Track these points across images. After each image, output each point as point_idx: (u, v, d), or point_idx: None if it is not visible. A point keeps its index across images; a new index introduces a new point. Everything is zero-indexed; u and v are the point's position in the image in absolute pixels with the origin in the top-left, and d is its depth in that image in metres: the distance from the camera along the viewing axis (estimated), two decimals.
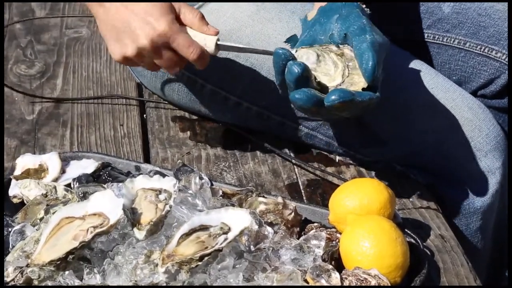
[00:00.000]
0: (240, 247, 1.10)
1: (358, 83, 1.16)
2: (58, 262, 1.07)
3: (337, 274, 1.07)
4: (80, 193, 1.20)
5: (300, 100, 1.13)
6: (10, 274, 1.09)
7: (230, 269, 1.08)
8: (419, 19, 1.55)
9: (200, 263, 1.06)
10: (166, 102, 1.58)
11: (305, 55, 1.20)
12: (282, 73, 1.16)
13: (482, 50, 1.52)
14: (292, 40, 1.26)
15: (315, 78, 1.18)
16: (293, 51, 1.20)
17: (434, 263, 1.20)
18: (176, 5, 1.27)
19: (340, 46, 1.19)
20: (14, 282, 1.08)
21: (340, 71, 1.18)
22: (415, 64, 1.42)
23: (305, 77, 1.15)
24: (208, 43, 1.27)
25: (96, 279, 1.08)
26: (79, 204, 1.15)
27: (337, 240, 1.15)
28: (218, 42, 1.27)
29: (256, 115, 1.46)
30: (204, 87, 1.48)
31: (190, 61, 1.26)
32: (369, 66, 1.13)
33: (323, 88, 1.17)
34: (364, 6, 1.23)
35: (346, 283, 1.07)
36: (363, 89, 1.15)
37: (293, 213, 1.18)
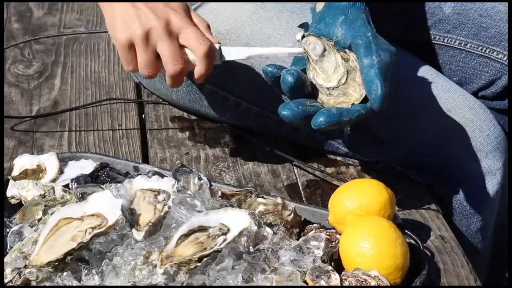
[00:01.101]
0: (239, 248, 1.10)
1: (351, 94, 1.16)
2: (56, 263, 1.07)
3: (337, 275, 1.07)
4: (78, 193, 1.19)
5: (286, 117, 1.14)
6: (7, 275, 1.08)
7: (229, 270, 1.07)
8: (419, 19, 1.55)
9: (199, 264, 1.05)
10: (165, 102, 1.57)
11: (313, 44, 1.19)
12: (275, 84, 1.17)
13: (483, 51, 1.51)
14: (305, 27, 1.26)
15: (314, 73, 1.18)
16: (303, 36, 1.20)
17: (434, 264, 1.20)
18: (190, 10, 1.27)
19: (347, 51, 1.17)
20: (12, 283, 1.08)
21: (338, 75, 1.17)
22: (416, 64, 1.42)
23: (300, 84, 1.15)
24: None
25: (95, 280, 1.07)
26: (77, 205, 1.14)
27: (336, 241, 1.15)
28: (222, 47, 1.26)
29: (255, 115, 1.46)
30: (203, 87, 1.47)
31: (197, 57, 1.23)
32: (378, 96, 1.11)
33: (315, 89, 1.18)
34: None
35: (346, 284, 1.07)
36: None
37: (292, 214, 1.18)
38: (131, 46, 1.24)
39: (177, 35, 1.23)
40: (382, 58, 1.13)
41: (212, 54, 1.24)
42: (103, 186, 1.20)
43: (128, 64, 1.26)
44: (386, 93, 1.11)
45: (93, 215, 1.13)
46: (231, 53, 1.26)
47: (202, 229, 1.11)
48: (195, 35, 1.23)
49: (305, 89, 1.16)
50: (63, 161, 1.30)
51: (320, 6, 1.24)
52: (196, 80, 1.26)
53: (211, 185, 1.25)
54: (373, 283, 1.06)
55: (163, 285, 1.06)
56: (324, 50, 1.19)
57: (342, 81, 1.17)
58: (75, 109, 1.55)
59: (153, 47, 1.24)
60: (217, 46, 1.25)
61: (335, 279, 1.07)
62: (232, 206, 1.18)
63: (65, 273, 1.07)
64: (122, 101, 1.58)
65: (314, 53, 1.19)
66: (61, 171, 1.28)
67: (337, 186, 1.25)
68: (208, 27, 1.27)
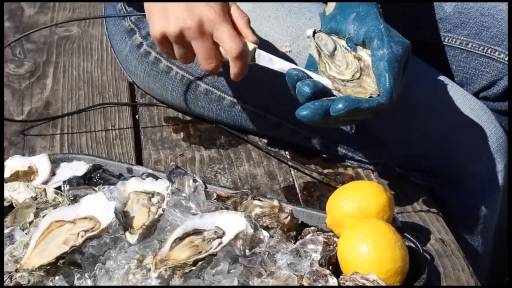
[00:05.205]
0: (235, 252, 1.09)
1: (366, 88, 1.16)
2: (48, 267, 1.06)
3: (335, 279, 1.07)
4: (70, 196, 1.19)
5: (306, 117, 1.14)
6: None
7: (224, 274, 1.07)
8: (420, 19, 1.55)
9: (193, 268, 1.05)
10: (159, 103, 1.56)
11: (324, 40, 1.21)
12: (295, 89, 1.17)
13: (484, 51, 1.51)
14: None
15: (327, 67, 1.19)
16: (313, 33, 1.21)
17: (434, 268, 1.19)
18: (229, 4, 1.26)
19: (358, 51, 1.19)
20: None
21: (351, 71, 1.19)
22: (416, 64, 1.41)
23: (317, 94, 1.15)
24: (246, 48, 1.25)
25: (87, 284, 1.07)
26: (69, 208, 1.14)
27: (334, 245, 1.14)
28: (257, 50, 1.25)
29: (251, 116, 1.45)
30: (199, 87, 1.46)
31: (229, 57, 1.23)
32: (386, 89, 1.13)
33: (330, 80, 1.19)
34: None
35: None
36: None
37: (289, 217, 1.17)
38: (167, 41, 1.26)
39: (210, 34, 1.24)
40: (393, 50, 1.14)
41: (245, 55, 1.24)
42: (96, 188, 1.19)
43: (167, 55, 1.29)
44: (395, 86, 1.12)
45: (85, 218, 1.12)
46: (263, 59, 1.26)
47: (197, 232, 1.10)
48: (227, 35, 1.23)
49: (323, 96, 1.16)
50: (55, 163, 1.30)
51: (329, 10, 1.25)
52: (233, 79, 1.26)
53: (206, 187, 1.25)
54: None
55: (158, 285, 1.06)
56: (335, 49, 1.20)
57: (356, 76, 1.18)
58: (68, 115, 1.53)
59: (187, 45, 1.25)
60: (251, 47, 1.24)
61: (333, 283, 1.06)
62: (227, 208, 1.17)
63: (57, 277, 1.07)
64: (116, 106, 1.56)
65: (326, 49, 1.20)
66: (53, 173, 1.28)
67: (335, 188, 1.25)
68: (248, 22, 1.26)
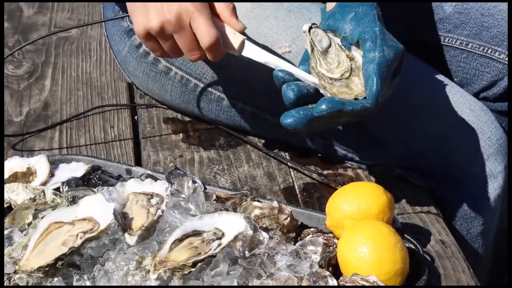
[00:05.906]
0: (234, 253, 1.09)
1: (353, 89, 1.17)
2: (47, 269, 1.06)
3: (335, 281, 1.06)
4: (69, 197, 1.18)
5: (289, 125, 1.15)
6: None
7: (224, 276, 1.07)
8: (420, 19, 1.54)
9: (193, 269, 1.05)
10: (158, 104, 1.55)
11: (320, 36, 1.21)
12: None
13: (485, 51, 1.51)
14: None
15: (318, 63, 1.20)
16: (310, 27, 1.21)
17: (435, 269, 1.19)
18: None
19: (352, 51, 1.19)
20: None
21: (341, 70, 1.19)
22: (416, 64, 1.41)
23: (302, 98, 1.15)
24: (234, 39, 1.25)
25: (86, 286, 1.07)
26: (68, 209, 1.14)
27: (334, 246, 1.14)
28: (246, 42, 1.25)
29: (251, 116, 1.45)
30: (198, 87, 1.46)
31: (203, 48, 1.24)
32: (372, 92, 1.13)
33: (318, 77, 1.19)
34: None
35: None
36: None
37: (289, 218, 1.17)
38: (151, 37, 1.26)
39: (189, 25, 1.23)
40: (384, 54, 1.14)
41: (219, 45, 1.24)
42: (95, 190, 1.19)
43: (155, 52, 1.29)
44: (382, 91, 1.12)
45: (84, 219, 1.12)
46: (251, 51, 1.26)
47: (196, 233, 1.10)
48: (202, 25, 1.22)
49: (308, 100, 1.16)
50: (53, 164, 1.29)
51: (330, 6, 1.25)
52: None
53: (205, 188, 1.25)
54: None
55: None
56: (329, 46, 1.20)
57: (345, 75, 1.18)
58: (66, 122, 1.52)
59: (171, 39, 1.25)
60: (239, 39, 1.24)
61: (332, 284, 1.06)
62: (227, 210, 1.17)
63: (55, 279, 1.06)
64: (115, 107, 1.56)
65: (320, 46, 1.21)
66: (51, 174, 1.27)
67: (335, 189, 1.24)
68: (234, 10, 1.26)
